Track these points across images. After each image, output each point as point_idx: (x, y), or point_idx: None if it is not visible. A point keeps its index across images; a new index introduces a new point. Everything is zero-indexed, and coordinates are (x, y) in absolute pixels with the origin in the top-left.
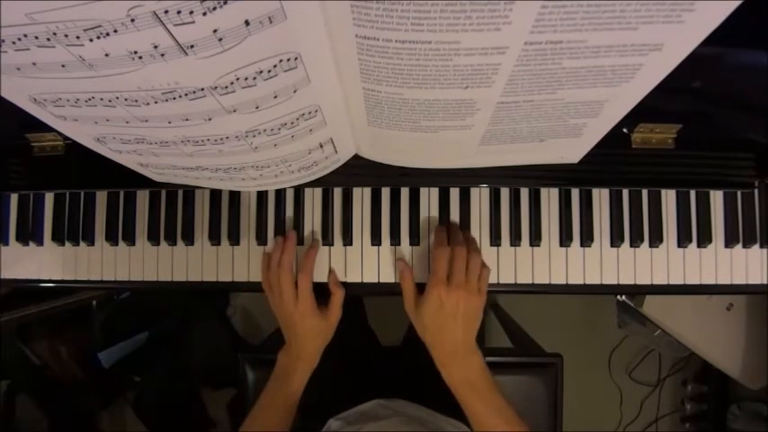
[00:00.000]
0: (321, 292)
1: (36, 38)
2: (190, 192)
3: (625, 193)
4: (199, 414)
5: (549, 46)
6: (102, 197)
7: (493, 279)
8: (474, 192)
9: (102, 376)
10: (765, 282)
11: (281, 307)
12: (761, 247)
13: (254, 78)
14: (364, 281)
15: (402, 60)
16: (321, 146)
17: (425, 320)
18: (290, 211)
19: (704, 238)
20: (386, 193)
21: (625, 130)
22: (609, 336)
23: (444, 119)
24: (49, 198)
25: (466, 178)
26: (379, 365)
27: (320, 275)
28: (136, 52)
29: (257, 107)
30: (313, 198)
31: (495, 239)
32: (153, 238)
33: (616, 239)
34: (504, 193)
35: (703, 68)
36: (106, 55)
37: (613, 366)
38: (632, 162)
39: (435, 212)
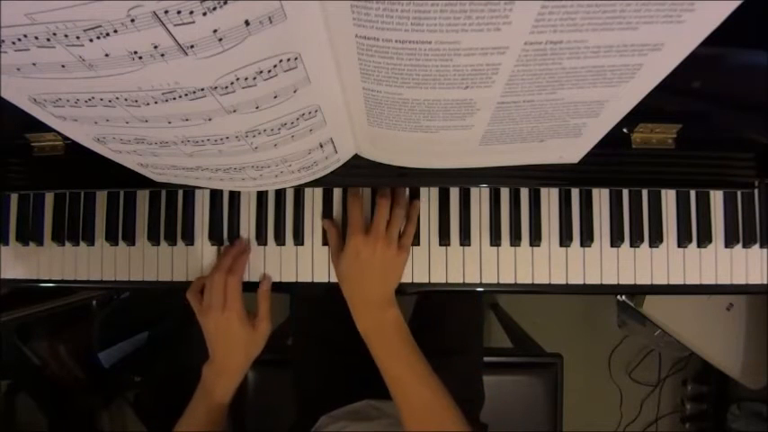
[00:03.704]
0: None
1: (36, 38)
2: (190, 192)
3: (625, 193)
4: None
5: (549, 46)
6: (102, 197)
7: (493, 279)
8: (474, 192)
9: (102, 376)
10: (765, 282)
11: (207, 311)
12: (761, 247)
13: (254, 78)
14: None
15: (402, 60)
16: (321, 146)
17: (343, 270)
18: (289, 211)
19: (704, 238)
20: None
21: (625, 130)
22: (609, 336)
23: (444, 119)
24: (49, 198)
25: (466, 178)
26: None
27: (321, 275)
28: (136, 52)
29: (257, 107)
30: (313, 198)
31: (495, 239)
32: (153, 238)
33: (616, 239)
34: (504, 193)
35: (703, 68)
36: (106, 55)
37: (613, 366)
38: (632, 162)
39: (435, 212)
